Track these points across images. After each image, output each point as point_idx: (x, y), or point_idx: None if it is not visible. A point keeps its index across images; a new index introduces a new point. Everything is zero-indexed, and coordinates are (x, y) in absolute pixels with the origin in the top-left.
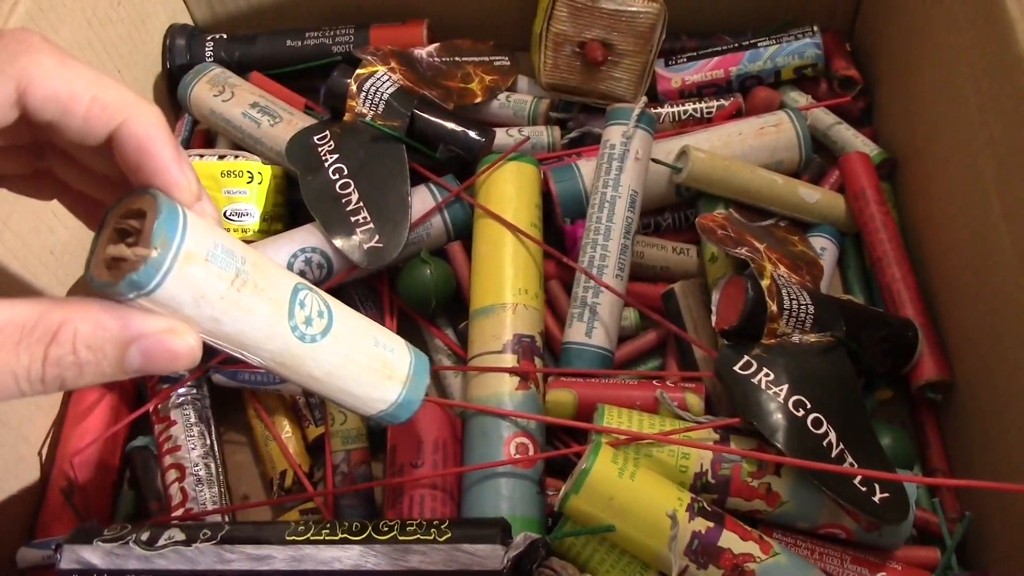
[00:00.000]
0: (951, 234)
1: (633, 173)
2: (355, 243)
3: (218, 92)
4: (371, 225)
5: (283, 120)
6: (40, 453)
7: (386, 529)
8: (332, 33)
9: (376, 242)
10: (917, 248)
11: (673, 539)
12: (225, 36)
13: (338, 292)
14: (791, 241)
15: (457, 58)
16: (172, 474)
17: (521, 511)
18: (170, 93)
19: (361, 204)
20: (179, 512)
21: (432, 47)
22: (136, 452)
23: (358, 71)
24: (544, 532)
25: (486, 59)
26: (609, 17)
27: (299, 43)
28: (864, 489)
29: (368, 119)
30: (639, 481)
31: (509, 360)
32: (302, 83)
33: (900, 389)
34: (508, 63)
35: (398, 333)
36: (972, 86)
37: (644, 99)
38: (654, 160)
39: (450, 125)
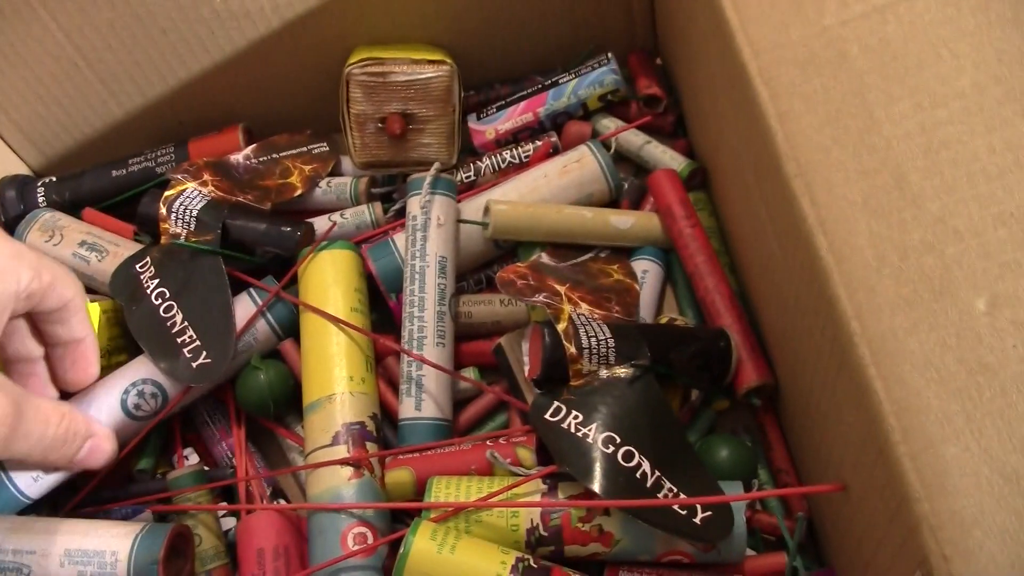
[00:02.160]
0: (745, 239)
1: (438, 239)
2: (183, 363)
3: (48, 237)
4: (197, 342)
5: (110, 253)
6: None
7: None
8: (154, 155)
9: (204, 358)
10: (734, 254)
11: None
12: (55, 179)
13: (186, 410)
14: (607, 272)
15: (275, 155)
16: None
17: None
18: None
19: (186, 323)
20: None
21: (249, 149)
22: None
23: (166, 193)
24: None
25: (304, 149)
26: (403, 88)
27: (124, 171)
28: (684, 513)
29: (182, 239)
30: (460, 553)
31: (341, 451)
32: (135, 209)
33: (736, 397)
34: (327, 148)
35: (248, 438)
36: (725, 95)
37: (437, 164)
38: (461, 220)
39: (262, 227)
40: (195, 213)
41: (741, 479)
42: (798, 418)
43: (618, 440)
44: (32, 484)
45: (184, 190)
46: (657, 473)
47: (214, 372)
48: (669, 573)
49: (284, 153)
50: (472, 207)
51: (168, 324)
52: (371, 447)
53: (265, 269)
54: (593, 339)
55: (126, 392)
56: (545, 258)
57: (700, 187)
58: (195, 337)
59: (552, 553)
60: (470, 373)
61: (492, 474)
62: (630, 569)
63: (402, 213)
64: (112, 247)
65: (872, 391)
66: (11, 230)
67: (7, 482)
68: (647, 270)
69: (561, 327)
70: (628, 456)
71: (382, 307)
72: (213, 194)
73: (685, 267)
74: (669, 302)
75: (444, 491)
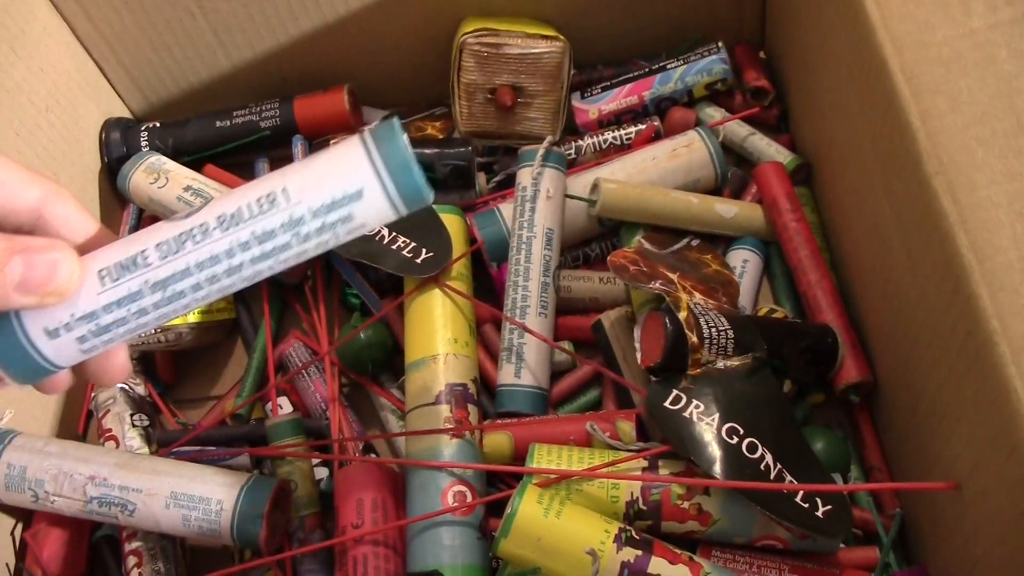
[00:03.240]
0: (857, 235)
1: (546, 212)
2: (406, 261)
3: (154, 179)
4: (413, 244)
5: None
6: (12, 535)
7: None
8: (258, 109)
9: (427, 253)
10: (836, 250)
11: (595, 573)
12: (159, 124)
13: (281, 360)
14: (704, 262)
15: (402, 120)
16: (131, 560)
17: (463, 559)
18: (112, 185)
19: (394, 234)
20: None
21: (376, 120)
22: (101, 541)
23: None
24: None
25: (425, 113)
26: (515, 61)
27: (228, 123)
28: (807, 506)
29: None
30: (565, 519)
31: (443, 410)
32: (239, 159)
33: (833, 391)
34: (446, 109)
35: (343, 395)
36: (852, 88)
37: (550, 138)
38: (569, 196)
39: (435, 148)
40: None
41: (835, 472)
42: (902, 417)
43: (741, 432)
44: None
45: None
46: (779, 466)
47: (442, 261)
48: (762, 558)
49: (411, 118)
50: (575, 184)
51: (376, 239)
52: (472, 409)
53: (443, 185)
54: (714, 329)
55: None
56: (647, 244)
57: (803, 183)
58: (409, 241)
59: (649, 527)
60: (566, 346)
61: (590, 447)
62: (723, 550)
63: (503, 184)
64: (216, 195)
65: (1011, 390)
66: (114, 172)
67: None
68: (747, 260)
69: (682, 316)
70: (752, 448)
71: (483, 275)
72: None
73: (788, 260)
74: (764, 293)
75: (547, 458)
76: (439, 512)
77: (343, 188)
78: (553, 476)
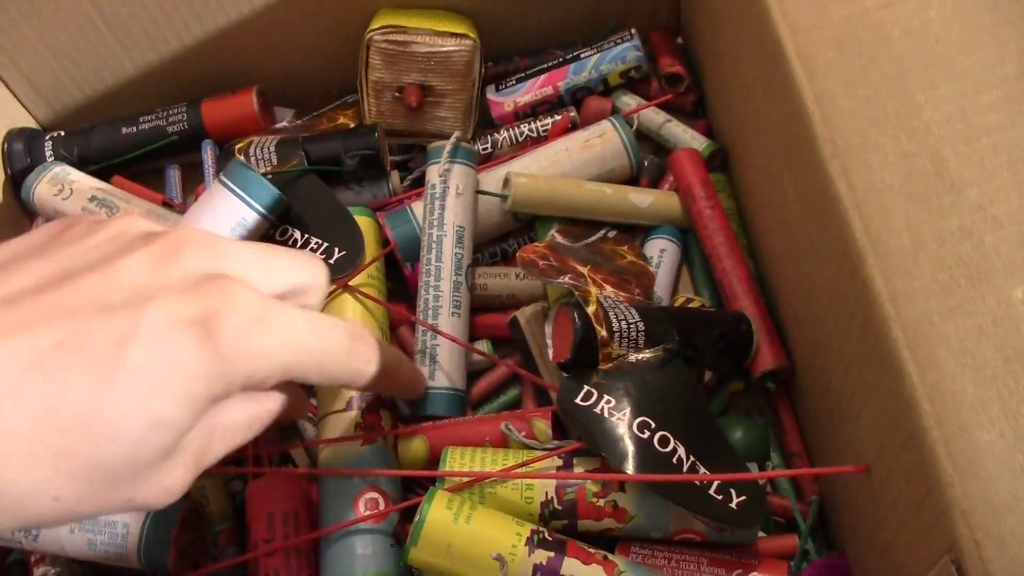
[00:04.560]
0: (768, 221)
1: (457, 209)
2: None
3: (58, 191)
4: (325, 244)
5: (120, 210)
6: None
7: None
8: (165, 114)
9: (339, 252)
10: (752, 236)
11: None
12: (63, 133)
13: None
14: (619, 253)
15: (314, 112)
16: None
17: (375, 567)
18: (17, 198)
19: (307, 236)
20: None
21: (285, 120)
22: (13, 566)
23: (237, 146)
24: None
25: (338, 102)
26: (423, 59)
27: (134, 129)
28: (720, 497)
29: (268, 174)
30: (475, 523)
31: (354, 415)
32: (148, 166)
33: (751, 379)
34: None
35: None
36: (756, 72)
37: (457, 134)
38: (480, 192)
39: (340, 140)
40: (272, 149)
41: (754, 461)
42: (816, 402)
43: (653, 425)
44: None
45: (251, 140)
46: (692, 458)
47: (354, 261)
48: (680, 552)
49: (322, 109)
50: (490, 179)
51: (289, 243)
52: (384, 414)
53: (351, 178)
54: (623, 322)
55: None
56: (559, 238)
57: (720, 168)
58: (321, 243)
59: (565, 527)
60: (483, 346)
61: (506, 447)
62: (642, 545)
63: (418, 182)
64: (123, 204)
65: (905, 375)
66: (18, 184)
67: None
68: (664, 249)
69: (591, 310)
70: (663, 441)
71: (397, 275)
72: (279, 137)
73: (704, 247)
74: (684, 282)
75: (459, 461)
76: (351, 522)
77: None
78: (465, 480)
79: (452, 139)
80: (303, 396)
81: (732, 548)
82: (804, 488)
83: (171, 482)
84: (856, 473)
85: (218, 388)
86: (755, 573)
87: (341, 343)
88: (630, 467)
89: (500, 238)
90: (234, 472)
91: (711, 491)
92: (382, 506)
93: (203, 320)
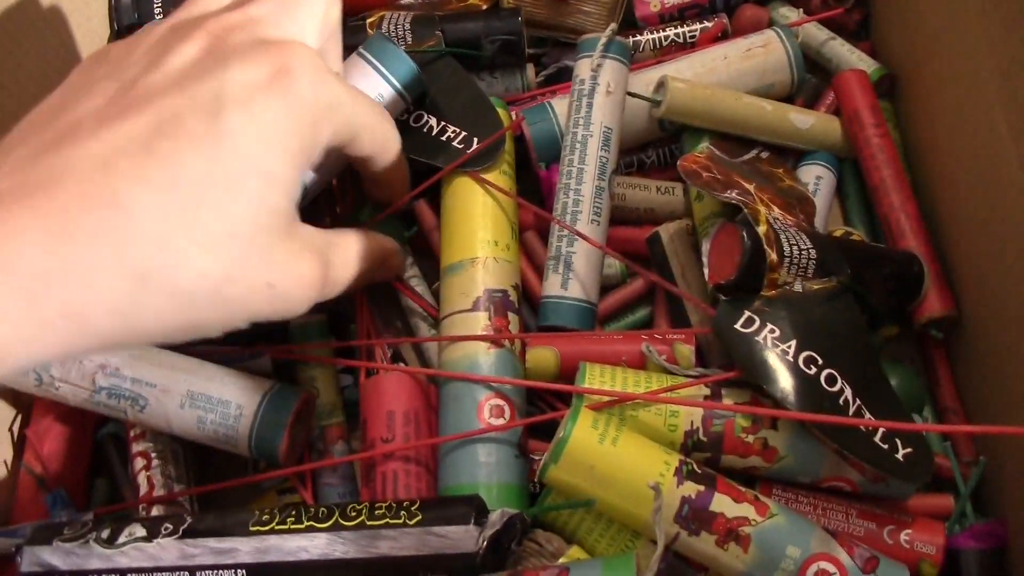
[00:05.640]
0: (955, 155)
1: (605, 109)
2: (457, 152)
3: None
4: (463, 133)
5: None
6: (11, 430)
7: (354, 514)
8: None
9: (477, 143)
10: (921, 172)
11: (657, 511)
12: None
13: None
14: (777, 176)
15: None
16: (139, 462)
17: (499, 478)
18: None
19: (443, 123)
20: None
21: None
22: (107, 439)
23: (368, 20)
24: (527, 499)
25: None
26: None
27: None
28: (886, 447)
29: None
30: (622, 447)
31: (481, 317)
32: None
33: (906, 324)
34: None
35: (368, 299)
36: None
37: (613, 26)
38: (630, 94)
39: (480, 21)
40: (407, 26)
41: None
42: (992, 357)
43: (820, 361)
44: None
45: (383, 14)
46: (858, 402)
47: (493, 152)
48: (828, 499)
49: None
50: (633, 83)
51: (425, 131)
52: (512, 318)
53: (491, 64)
54: (795, 247)
55: None
56: (716, 151)
57: (884, 96)
58: (458, 131)
59: (707, 460)
60: (614, 261)
61: (643, 368)
62: (785, 488)
63: (552, 80)
64: None
65: None
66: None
67: None
68: (821, 177)
69: (761, 230)
70: (831, 380)
71: (527, 177)
72: (413, 14)
73: (868, 180)
74: (834, 215)
75: (599, 378)
76: (478, 431)
77: None
78: (606, 399)
79: (608, 31)
80: (398, 252)
81: (882, 502)
82: (959, 449)
83: (304, 271)
84: None
85: (308, 141)
86: (909, 531)
87: (380, 109)
88: (793, 403)
89: (640, 147)
90: (345, 364)
91: (876, 439)
92: (507, 415)
93: (278, 76)
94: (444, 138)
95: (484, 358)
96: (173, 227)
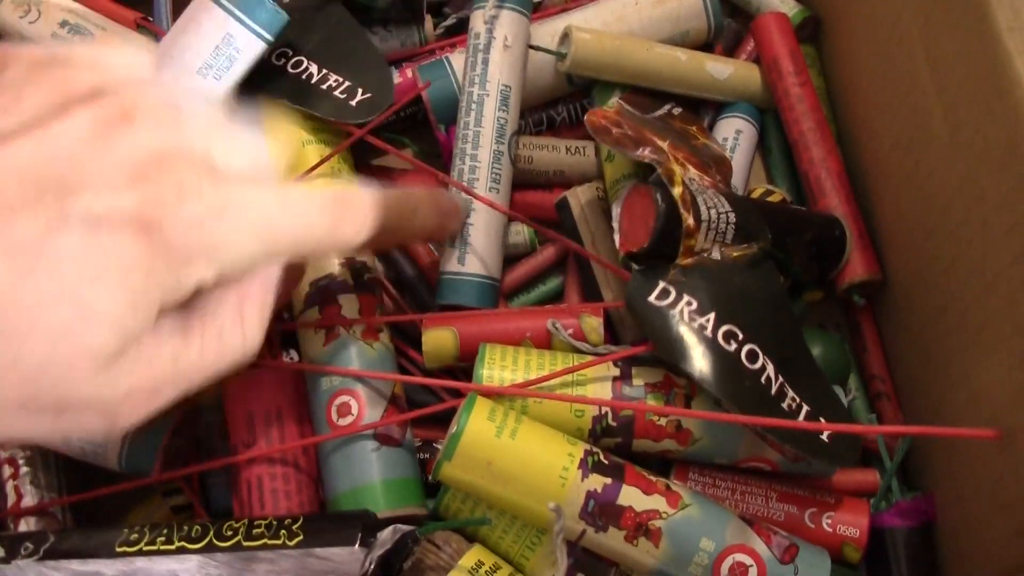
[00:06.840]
0: (879, 106)
1: (503, 65)
2: (339, 103)
3: (23, 13)
4: (347, 83)
5: (96, 37)
6: None
7: (230, 533)
8: None
9: (363, 94)
10: (844, 123)
11: (558, 534)
12: None
13: None
14: (691, 133)
15: None
16: (6, 470)
17: (377, 476)
18: None
19: (324, 71)
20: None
21: None
22: None
23: None
24: (420, 491)
25: None
26: None
27: None
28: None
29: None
30: (521, 439)
31: (314, 312)
32: None
33: (831, 288)
34: None
35: None
36: None
37: None
38: (532, 47)
39: None
40: None
41: (833, 382)
42: (920, 322)
43: (740, 336)
44: None
45: None
46: (781, 379)
47: (379, 104)
48: (746, 481)
49: None
50: (539, 33)
51: (303, 77)
52: (349, 300)
53: (383, 16)
54: (713, 210)
55: None
56: (626, 105)
57: (808, 40)
58: (341, 80)
59: (618, 446)
60: (522, 228)
61: (550, 347)
62: (702, 472)
63: (453, 30)
64: (98, 30)
65: None
66: None
67: None
68: (741, 131)
69: (676, 192)
70: (752, 356)
71: (427, 138)
72: None
73: (788, 133)
74: (755, 171)
75: (500, 361)
76: (326, 436)
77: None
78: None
79: None
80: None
81: (804, 481)
82: (886, 418)
83: (114, 399)
84: (986, 438)
85: (168, 282)
86: (832, 513)
87: (320, 216)
88: (712, 384)
89: (548, 104)
90: None
91: (800, 419)
92: (356, 410)
93: (141, 214)
94: (324, 87)
95: (323, 353)
96: None
